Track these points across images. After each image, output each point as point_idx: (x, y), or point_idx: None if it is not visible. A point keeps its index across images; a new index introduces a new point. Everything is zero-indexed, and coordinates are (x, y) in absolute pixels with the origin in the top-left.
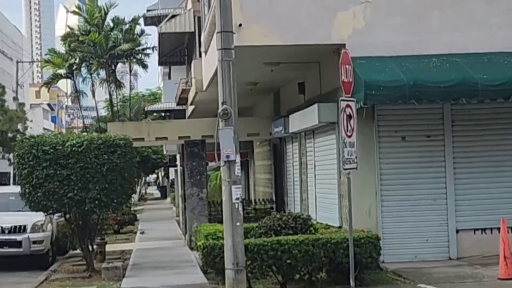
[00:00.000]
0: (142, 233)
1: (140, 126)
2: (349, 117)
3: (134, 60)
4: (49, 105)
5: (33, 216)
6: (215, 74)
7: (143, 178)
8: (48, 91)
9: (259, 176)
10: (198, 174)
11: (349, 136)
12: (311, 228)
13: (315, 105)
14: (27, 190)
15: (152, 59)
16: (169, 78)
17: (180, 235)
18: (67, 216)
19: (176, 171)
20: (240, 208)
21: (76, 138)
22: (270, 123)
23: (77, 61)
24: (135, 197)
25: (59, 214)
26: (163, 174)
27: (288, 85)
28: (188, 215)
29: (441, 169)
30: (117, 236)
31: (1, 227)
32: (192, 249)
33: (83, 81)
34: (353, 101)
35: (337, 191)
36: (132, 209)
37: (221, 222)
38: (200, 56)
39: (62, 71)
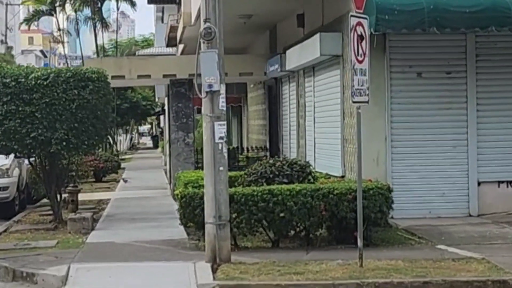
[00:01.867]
0: (125, 181)
1: (120, 62)
2: (361, 37)
3: None
4: (41, 51)
5: None
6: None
7: (136, 127)
8: (29, 29)
9: (253, 123)
10: (185, 117)
11: (360, 62)
12: (310, 177)
13: (317, 35)
14: None
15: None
16: (162, 22)
17: (165, 185)
18: (31, 159)
19: (164, 117)
20: (225, 150)
21: (42, 70)
22: (265, 62)
23: None
24: (124, 146)
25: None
26: (156, 123)
27: (286, 19)
28: (173, 161)
29: (462, 111)
30: (97, 184)
31: None
32: (175, 199)
33: (67, 18)
34: (365, 18)
35: (340, 136)
36: (120, 157)
37: None
38: None
39: (44, 8)
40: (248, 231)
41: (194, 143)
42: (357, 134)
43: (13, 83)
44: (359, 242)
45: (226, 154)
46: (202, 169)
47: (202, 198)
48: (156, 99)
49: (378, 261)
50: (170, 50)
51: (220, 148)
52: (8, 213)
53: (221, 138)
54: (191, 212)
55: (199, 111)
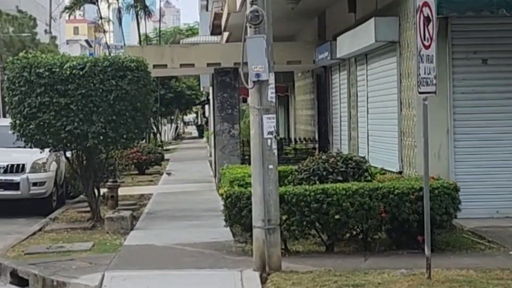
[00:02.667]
0: (169, 174)
1: (162, 51)
2: (427, 20)
3: None
4: (86, 41)
5: (34, 153)
6: None
7: (181, 116)
8: (69, 17)
9: (301, 113)
10: (230, 107)
11: (427, 47)
12: (366, 174)
13: (371, 20)
14: (17, 122)
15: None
16: (207, 10)
17: (210, 178)
18: (68, 154)
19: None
20: (274, 146)
21: (77, 59)
22: (313, 50)
23: None
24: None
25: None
26: (202, 112)
27: (336, 4)
28: (218, 154)
29: None
30: (140, 177)
31: None
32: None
33: (108, 6)
34: None
35: (397, 128)
36: (164, 148)
37: None
38: None
39: None
40: (299, 234)
41: (240, 134)
42: (423, 128)
43: (47, 73)
44: (427, 251)
45: (276, 151)
46: (249, 163)
47: (249, 198)
48: (201, 89)
49: (446, 270)
50: (215, 38)
51: (269, 144)
52: (45, 209)
53: (270, 133)
54: (237, 213)
55: (245, 101)
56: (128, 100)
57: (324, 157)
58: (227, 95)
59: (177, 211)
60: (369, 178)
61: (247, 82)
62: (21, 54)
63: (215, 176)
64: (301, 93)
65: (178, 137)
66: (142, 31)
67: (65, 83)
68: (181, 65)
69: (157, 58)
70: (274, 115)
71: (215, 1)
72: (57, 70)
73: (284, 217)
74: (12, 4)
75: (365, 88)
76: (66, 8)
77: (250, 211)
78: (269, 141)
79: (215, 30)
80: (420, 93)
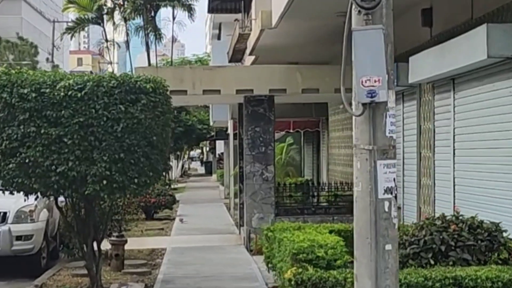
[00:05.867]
0: (182, 221)
1: (181, 73)
2: None
3: (178, 3)
4: (91, 72)
5: (19, 198)
6: None
7: (187, 151)
8: (71, 38)
9: (336, 152)
10: (263, 144)
11: None
12: (502, 248)
13: (480, 29)
14: None
15: (199, 21)
16: (219, 38)
17: (231, 226)
18: (60, 201)
19: (226, 143)
20: (394, 213)
21: (75, 77)
22: None
23: (108, 2)
24: (176, 173)
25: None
26: (208, 148)
27: (402, 17)
28: (247, 201)
29: None
30: (148, 224)
31: None
32: (251, 251)
33: (115, 28)
34: None
35: None
36: (172, 186)
37: (294, 214)
38: None
39: (90, 15)
40: None
41: (275, 178)
42: None
43: (34, 94)
44: None
45: (396, 221)
46: (285, 214)
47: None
48: (211, 123)
49: None
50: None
51: (386, 209)
52: (33, 269)
53: (388, 190)
54: None
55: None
56: (141, 132)
57: (439, 222)
58: (260, 130)
59: (201, 279)
60: (506, 256)
61: (350, 105)
62: (1, 68)
63: (239, 225)
64: (338, 128)
65: (184, 174)
66: (150, 55)
67: (57, 108)
68: (205, 91)
69: (175, 82)
70: (395, 161)
71: (237, 20)
72: (48, 90)
73: None
74: (13, 30)
75: (451, 122)
76: (67, 29)
77: None
78: (386, 204)
79: (236, 55)
80: None
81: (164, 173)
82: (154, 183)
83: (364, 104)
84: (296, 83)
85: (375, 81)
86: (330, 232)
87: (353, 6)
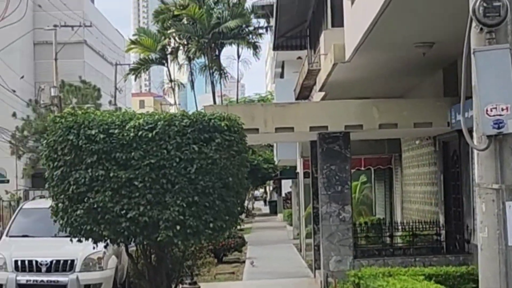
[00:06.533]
0: (252, 263)
1: (252, 111)
2: None
3: (243, 41)
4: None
5: (87, 245)
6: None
7: (252, 191)
8: (135, 79)
9: (412, 189)
10: (339, 183)
11: None
12: None
13: None
14: (60, 205)
15: (260, 61)
16: (281, 77)
17: (304, 269)
18: (131, 248)
19: (293, 182)
20: None
21: (145, 116)
22: (447, 109)
23: (172, 42)
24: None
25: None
26: (272, 187)
27: None
28: (324, 243)
29: None
30: (217, 267)
31: (37, 262)
32: None
33: (179, 68)
34: None
35: None
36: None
37: (372, 256)
38: (332, 26)
39: (153, 56)
40: None
41: (352, 218)
42: None
43: (102, 135)
44: None
45: None
46: (363, 256)
47: None
48: (276, 162)
49: None
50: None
51: None
52: None
53: None
54: None
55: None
56: (216, 173)
57: None
58: (336, 168)
59: None
60: None
61: (471, 138)
62: (66, 109)
63: (314, 269)
64: (412, 165)
65: (249, 214)
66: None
67: (127, 149)
68: (277, 129)
69: (246, 120)
70: None
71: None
72: (116, 131)
73: None
74: (76, 74)
75: None
76: (131, 69)
77: None
78: None
79: (303, 92)
80: None
81: (240, 216)
82: (230, 228)
83: (489, 137)
84: (373, 118)
85: (502, 109)
86: (425, 278)
87: (473, 24)
